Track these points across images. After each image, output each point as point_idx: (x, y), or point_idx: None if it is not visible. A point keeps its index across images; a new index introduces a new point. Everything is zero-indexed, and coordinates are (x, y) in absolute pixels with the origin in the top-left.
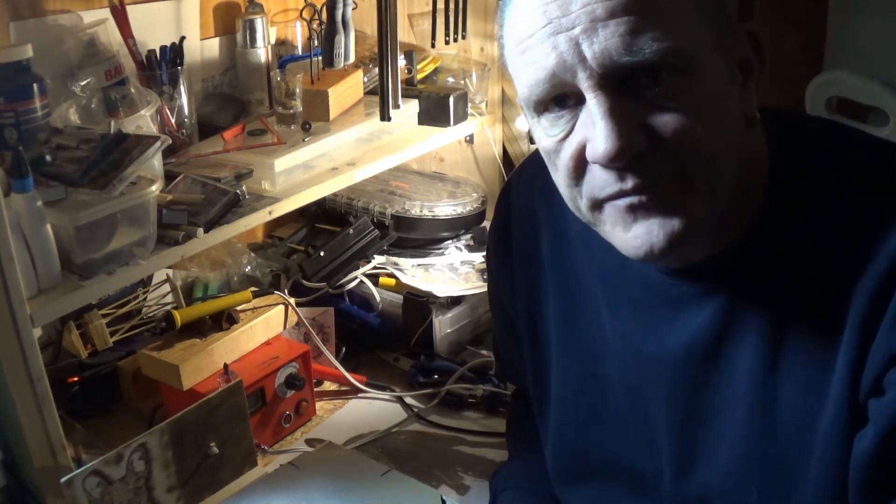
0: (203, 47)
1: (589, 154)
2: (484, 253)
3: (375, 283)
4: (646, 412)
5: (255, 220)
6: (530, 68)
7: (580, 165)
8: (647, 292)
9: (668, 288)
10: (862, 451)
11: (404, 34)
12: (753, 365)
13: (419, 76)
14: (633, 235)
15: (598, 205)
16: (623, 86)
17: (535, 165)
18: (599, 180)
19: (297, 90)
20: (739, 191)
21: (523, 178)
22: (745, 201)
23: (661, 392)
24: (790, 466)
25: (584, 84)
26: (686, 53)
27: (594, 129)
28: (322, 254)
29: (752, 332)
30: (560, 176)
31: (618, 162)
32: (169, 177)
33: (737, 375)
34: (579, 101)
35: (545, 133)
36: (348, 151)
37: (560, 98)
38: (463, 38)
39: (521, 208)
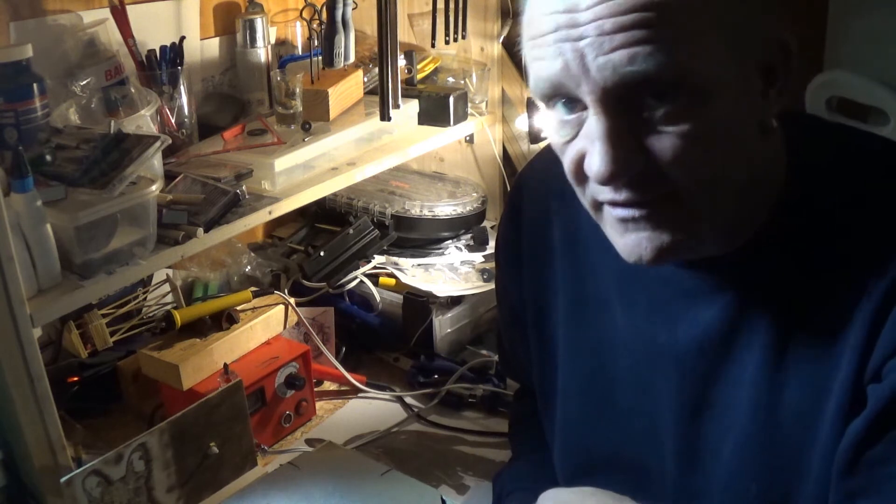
0: (203, 47)
1: (586, 168)
2: (484, 252)
3: (375, 283)
4: (653, 405)
5: (255, 220)
6: (538, 64)
7: (581, 171)
8: (662, 284)
9: (682, 280)
10: (850, 433)
11: (404, 34)
12: (760, 360)
13: (419, 76)
14: (623, 243)
15: (598, 206)
16: (625, 104)
17: (548, 157)
18: (596, 187)
19: (297, 90)
20: (751, 194)
21: (536, 170)
22: (758, 202)
23: (670, 385)
24: (792, 462)
25: (587, 97)
26: (693, 74)
27: (592, 146)
28: (322, 254)
29: (762, 327)
30: (567, 173)
31: (611, 183)
32: (169, 177)
33: (744, 371)
34: (585, 106)
35: (555, 130)
36: (348, 151)
37: (568, 98)
38: (463, 38)
39: (532, 199)
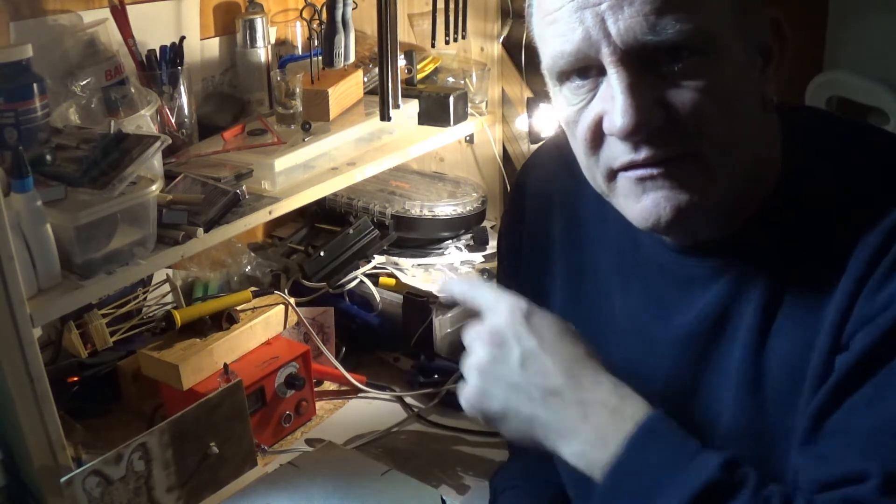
0: (203, 47)
1: (606, 126)
2: (484, 252)
3: (375, 283)
4: (646, 395)
5: (255, 220)
6: (557, 40)
7: (597, 136)
8: (659, 272)
9: (678, 268)
10: (814, 403)
11: (404, 34)
12: (745, 347)
13: (419, 76)
14: (641, 206)
15: (612, 175)
16: (644, 62)
17: (551, 149)
18: (615, 150)
19: (297, 90)
20: (753, 173)
21: (539, 162)
22: (757, 184)
23: (661, 372)
24: (774, 449)
25: (607, 59)
26: (707, 35)
27: (613, 102)
28: (322, 254)
29: (750, 313)
30: (578, 145)
31: (634, 136)
32: (169, 177)
33: (731, 358)
34: (601, 72)
35: (567, 102)
36: (348, 151)
37: (583, 69)
38: (463, 38)
39: (535, 192)
